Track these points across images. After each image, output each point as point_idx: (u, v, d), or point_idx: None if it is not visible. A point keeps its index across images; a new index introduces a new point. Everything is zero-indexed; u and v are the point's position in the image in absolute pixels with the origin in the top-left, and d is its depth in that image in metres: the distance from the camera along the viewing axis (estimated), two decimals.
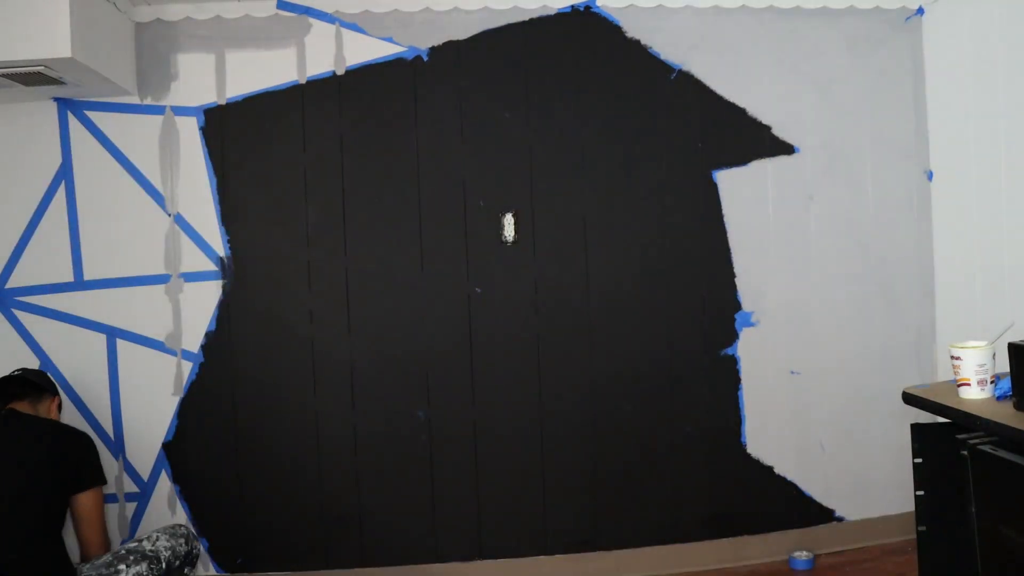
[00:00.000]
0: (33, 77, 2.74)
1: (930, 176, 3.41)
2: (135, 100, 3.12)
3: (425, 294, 3.18)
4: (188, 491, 3.17)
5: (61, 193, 3.12)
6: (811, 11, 3.36)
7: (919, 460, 2.35)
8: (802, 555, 3.23)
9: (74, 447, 2.62)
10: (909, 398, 2.31)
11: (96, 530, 2.61)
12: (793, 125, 3.33)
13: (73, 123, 3.12)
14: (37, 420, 2.66)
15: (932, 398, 2.22)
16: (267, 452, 3.16)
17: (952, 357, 2.16)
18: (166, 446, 3.16)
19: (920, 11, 3.39)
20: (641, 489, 3.26)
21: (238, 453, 3.15)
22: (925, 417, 2.31)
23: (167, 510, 3.16)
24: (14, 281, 3.11)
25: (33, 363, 3.12)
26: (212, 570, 3.18)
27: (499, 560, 3.21)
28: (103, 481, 2.67)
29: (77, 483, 2.57)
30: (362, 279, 3.16)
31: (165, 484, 3.16)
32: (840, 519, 3.36)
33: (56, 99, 3.09)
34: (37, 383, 2.75)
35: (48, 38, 2.59)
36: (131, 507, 3.17)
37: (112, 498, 3.16)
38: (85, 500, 2.59)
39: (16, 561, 2.34)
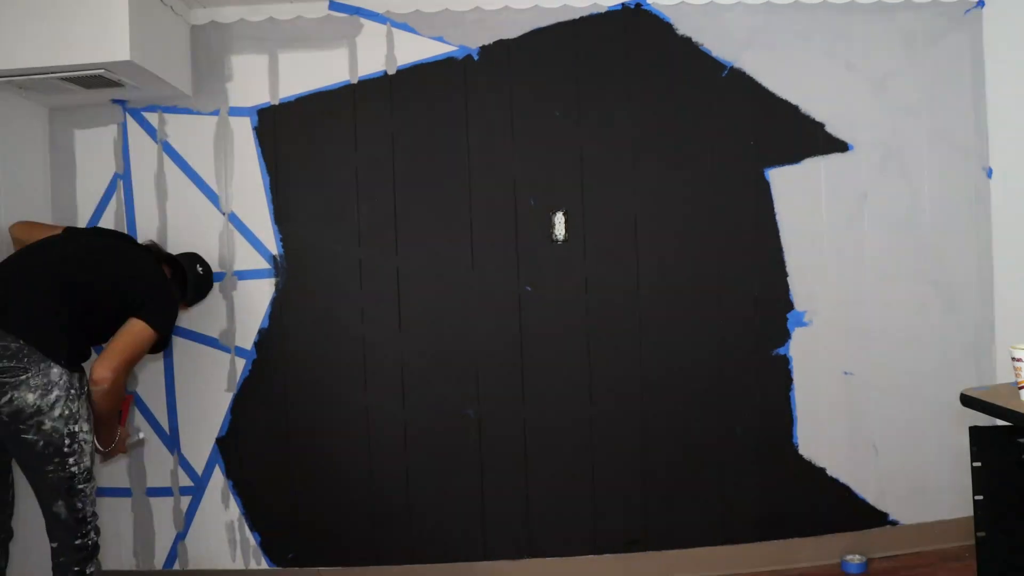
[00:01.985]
0: (94, 80, 2.80)
1: (989, 173, 3.34)
2: (191, 101, 3.18)
3: (475, 292, 3.19)
4: (241, 486, 3.22)
5: (120, 192, 3.18)
6: (866, 6, 3.30)
7: (978, 464, 2.31)
8: (854, 559, 3.18)
9: (160, 294, 2.61)
10: (968, 400, 2.25)
11: (110, 356, 2.38)
12: (847, 122, 3.28)
13: (131, 124, 3.19)
14: (150, 258, 2.71)
15: (992, 400, 2.17)
16: (318, 449, 3.20)
17: (1013, 359, 2.11)
18: (220, 441, 3.21)
19: (980, 3, 3.31)
20: (691, 489, 3.24)
21: (290, 449, 3.19)
22: (984, 420, 2.27)
23: (220, 504, 3.22)
24: None
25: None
26: (264, 564, 3.22)
27: (548, 559, 3.21)
28: (158, 328, 2.52)
29: (137, 308, 2.49)
30: (413, 277, 3.18)
31: (219, 479, 3.22)
32: (894, 523, 3.30)
33: (115, 101, 3.15)
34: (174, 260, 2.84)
35: (108, 42, 2.66)
36: (185, 501, 3.23)
37: (167, 492, 3.23)
38: (130, 324, 2.46)
39: (42, 334, 2.27)
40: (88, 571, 2.35)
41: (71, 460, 2.28)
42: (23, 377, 2.16)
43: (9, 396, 2.14)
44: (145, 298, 2.52)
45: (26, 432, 2.19)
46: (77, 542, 2.32)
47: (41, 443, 2.22)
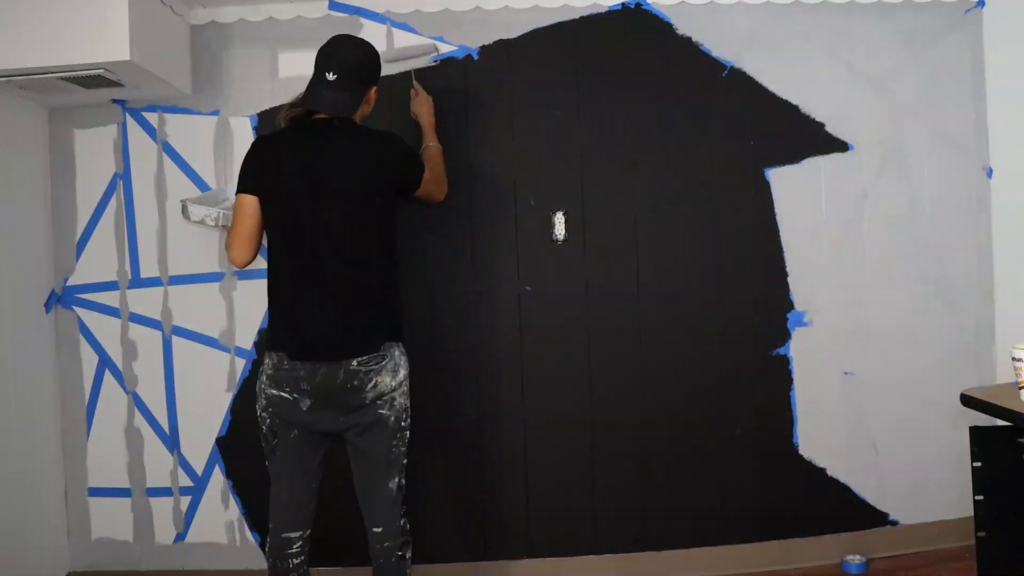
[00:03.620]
0: (93, 80, 2.80)
1: (989, 173, 3.34)
2: (191, 101, 3.17)
3: (475, 292, 3.19)
4: (241, 486, 3.21)
5: (119, 192, 3.18)
6: (866, 6, 3.30)
7: (978, 464, 2.32)
8: (855, 559, 3.18)
9: (399, 157, 2.48)
10: (968, 400, 2.26)
11: (440, 188, 2.78)
12: (847, 122, 3.28)
13: (131, 124, 3.19)
14: (350, 127, 2.42)
15: (992, 400, 2.17)
16: None
17: (1013, 359, 2.11)
18: (219, 441, 3.21)
19: (980, 3, 3.31)
20: (691, 489, 3.24)
21: None
22: (984, 420, 2.27)
23: (220, 504, 3.22)
24: (75, 279, 3.20)
25: (92, 359, 3.20)
26: (264, 565, 3.20)
27: (548, 559, 3.21)
28: (424, 167, 2.61)
29: (407, 189, 2.54)
30: (412, 277, 3.18)
31: (219, 479, 3.21)
32: (895, 523, 3.30)
33: (115, 101, 3.15)
34: (352, 96, 2.40)
35: (107, 42, 2.64)
36: (185, 501, 3.23)
37: (167, 492, 3.23)
38: (424, 184, 2.60)
39: (352, 305, 2.32)
40: (408, 556, 2.50)
41: (408, 433, 2.46)
42: (382, 363, 2.33)
43: (374, 382, 2.30)
44: (404, 174, 2.50)
45: (383, 408, 2.35)
46: (401, 522, 2.47)
47: (393, 418, 2.38)
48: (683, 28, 3.23)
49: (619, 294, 3.21)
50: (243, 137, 3.18)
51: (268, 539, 2.46)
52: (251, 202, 2.35)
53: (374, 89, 2.49)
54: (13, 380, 2.94)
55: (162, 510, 3.23)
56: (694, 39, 3.23)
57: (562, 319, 3.20)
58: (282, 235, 2.33)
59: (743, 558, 3.23)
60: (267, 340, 2.40)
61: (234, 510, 3.22)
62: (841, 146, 3.28)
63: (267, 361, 2.34)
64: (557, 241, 3.19)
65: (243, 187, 2.36)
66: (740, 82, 3.24)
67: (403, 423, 2.43)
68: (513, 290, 3.19)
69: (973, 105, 3.34)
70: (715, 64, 3.24)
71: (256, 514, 3.21)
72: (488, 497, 3.21)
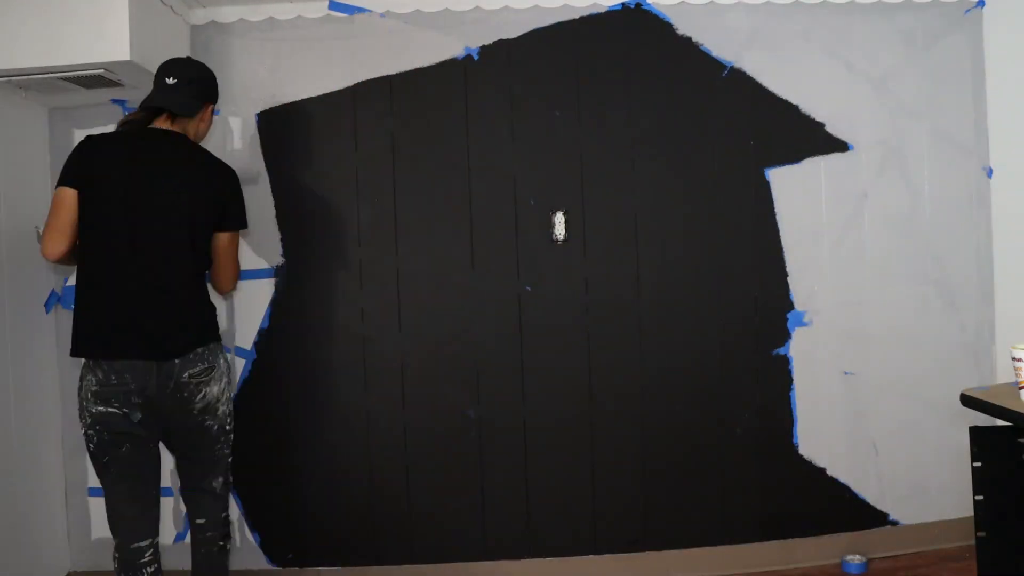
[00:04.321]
0: (93, 80, 2.80)
1: (989, 173, 3.34)
2: None
3: (475, 293, 3.19)
4: (241, 486, 3.21)
5: None
6: (866, 6, 3.30)
7: (978, 464, 2.31)
8: (855, 559, 3.18)
9: (226, 180, 2.45)
10: (968, 400, 2.25)
11: (229, 268, 2.54)
12: (847, 122, 3.28)
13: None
14: (186, 143, 2.41)
15: (992, 400, 2.16)
16: (318, 449, 3.20)
17: (1013, 359, 2.11)
18: None
19: (980, 3, 3.31)
20: (691, 489, 3.24)
21: (290, 449, 3.19)
22: (984, 420, 2.26)
23: None
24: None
25: None
26: (264, 564, 3.22)
27: (548, 559, 3.21)
28: (245, 225, 2.53)
29: (222, 221, 2.42)
30: (413, 278, 3.18)
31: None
32: (895, 523, 3.30)
33: (115, 101, 3.15)
34: (191, 103, 2.42)
35: (108, 42, 2.66)
36: None
37: (167, 492, 3.21)
38: (224, 237, 2.46)
39: (171, 302, 2.30)
40: (229, 547, 2.57)
41: (231, 436, 2.51)
42: (212, 374, 2.35)
43: (203, 393, 2.33)
44: (224, 208, 2.42)
45: (208, 419, 2.37)
46: (224, 515, 2.53)
47: (217, 426, 2.41)
48: (683, 28, 3.23)
49: (619, 294, 3.21)
50: (243, 137, 3.18)
51: (115, 554, 2.34)
52: (70, 195, 2.24)
53: (210, 107, 2.53)
54: (13, 380, 2.94)
55: (162, 510, 3.21)
56: (694, 39, 3.23)
57: (562, 319, 3.20)
58: (100, 236, 2.25)
59: (743, 558, 3.23)
60: (80, 351, 2.28)
61: (234, 510, 3.21)
62: (841, 146, 3.28)
63: (90, 377, 2.25)
64: (557, 241, 3.19)
65: (64, 180, 2.26)
66: (740, 82, 3.24)
67: (227, 427, 2.47)
68: (513, 290, 3.19)
69: (973, 105, 3.34)
70: (715, 64, 3.24)
71: (256, 514, 3.21)
72: (488, 497, 3.21)
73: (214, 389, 2.36)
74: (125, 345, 2.23)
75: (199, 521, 2.50)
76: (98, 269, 2.26)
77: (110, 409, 2.23)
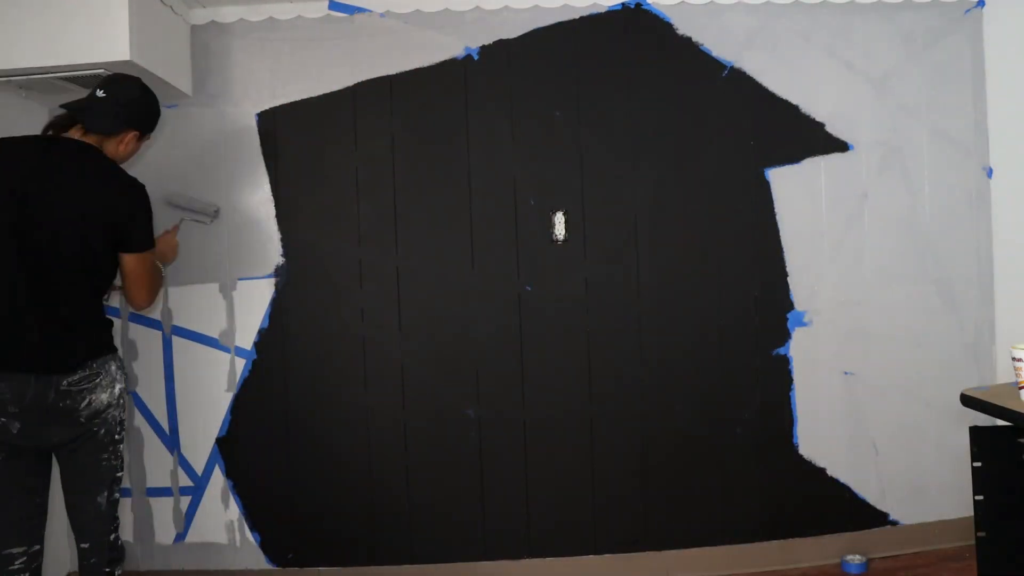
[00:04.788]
0: (93, 80, 2.79)
1: (989, 173, 3.34)
2: (191, 101, 3.18)
3: (475, 293, 3.19)
4: (241, 486, 3.22)
5: None
6: (865, 6, 3.30)
7: (978, 464, 2.31)
8: (855, 559, 3.18)
9: (130, 205, 2.27)
10: (968, 400, 2.25)
11: (139, 287, 2.34)
12: (847, 122, 3.28)
13: None
14: (96, 155, 2.26)
15: (992, 400, 2.17)
16: (319, 449, 3.20)
17: (1013, 359, 2.11)
18: (220, 441, 3.21)
19: (980, 3, 3.31)
20: (691, 489, 3.24)
21: (290, 449, 3.19)
22: (984, 420, 2.27)
23: (220, 504, 3.22)
24: None
25: None
26: (264, 564, 3.22)
27: (548, 559, 3.21)
28: (151, 246, 2.36)
29: (122, 242, 2.26)
30: (413, 277, 3.18)
31: (219, 479, 3.22)
32: (895, 523, 3.30)
33: None
34: (113, 121, 2.28)
35: (108, 42, 2.66)
36: (185, 501, 3.22)
37: (167, 492, 3.23)
38: (130, 260, 2.30)
39: (59, 319, 2.18)
40: (117, 573, 2.39)
41: (121, 447, 2.38)
42: (96, 380, 2.25)
43: (87, 400, 2.23)
44: (119, 224, 2.24)
45: (97, 426, 2.28)
46: (111, 537, 2.37)
47: (102, 432, 2.30)
48: (683, 28, 3.23)
49: (619, 294, 3.21)
50: (243, 137, 3.18)
51: None
52: None
53: (132, 134, 2.33)
54: None
55: (162, 510, 3.23)
56: (694, 39, 3.23)
57: (562, 319, 3.20)
58: None
59: (743, 558, 3.23)
60: None
61: (234, 510, 3.22)
62: (841, 146, 3.28)
63: None
64: (557, 241, 3.19)
65: None
66: (740, 82, 3.24)
67: (116, 436, 2.34)
68: (513, 290, 3.19)
69: (973, 105, 3.34)
70: (715, 64, 3.24)
71: (256, 514, 3.21)
72: (488, 497, 3.21)
73: (102, 396, 2.26)
74: (5, 358, 2.14)
75: (83, 545, 2.33)
76: None
77: None
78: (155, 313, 3.21)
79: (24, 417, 2.15)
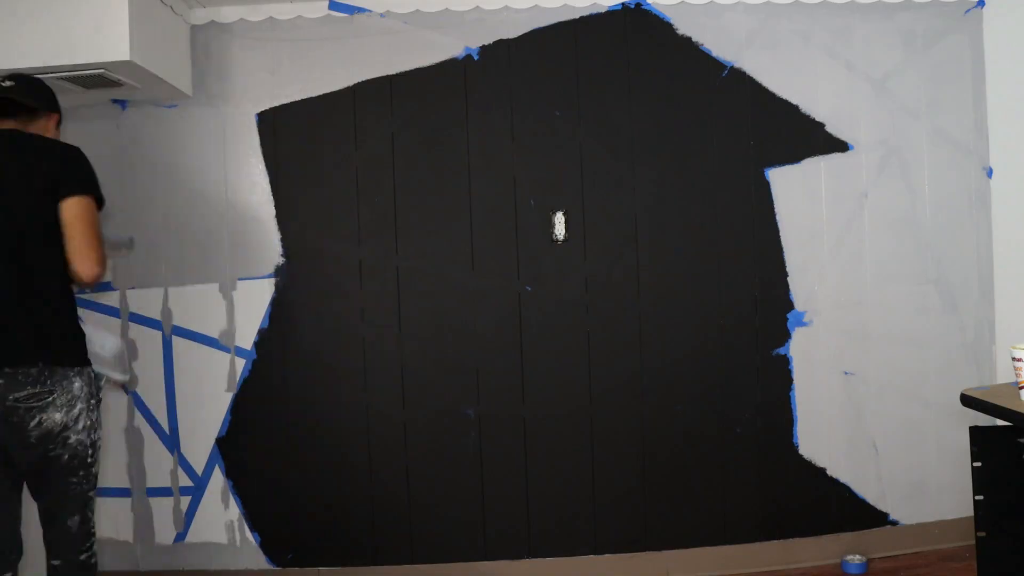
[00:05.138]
0: (93, 80, 2.81)
1: (989, 173, 3.34)
2: (191, 101, 3.18)
3: (475, 292, 3.19)
4: (241, 486, 3.22)
5: (119, 193, 3.17)
6: (866, 6, 3.30)
7: (978, 464, 2.31)
8: (855, 559, 3.18)
9: (60, 157, 2.17)
10: (968, 400, 2.25)
11: (83, 249, 2.12)
12: (847, 122, 3.28)
13: (131, 125, 3.19)
14: (19, 136, 2.18)
15: (992, 400, 2.16)
16: (318, 449, 3.20)
17: (1013, 359, 2.11)
18: (219, 441, 3.21)
19: (980, 3, 3.31)
20: (691, 489, 3.24)
21: (290, 449, 3.19)
22: (984, 420, 2.26)
23: (220, 504, 3.22)
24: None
25: None
26: (264, 564, 3.22)
27: (548, 559, 3.21)
28: (92, 192, 2.17)
29: (58, 191, 2.11)
30: (413, 277, 3.18)
31: (219, 479, 3.22)
32: (895, 523, 3.30)
33: (115, 101, 3.15)
34: (25, 103, 2.22)
35: (108, 42, 2.66)
36: (185, 501, 3.23)
37: (167, 492, 3.23)
38: (68, 207, 2.12)
39: (19, 304, 2.07)
40: None
41: (93, 470, 2.22)
42: (49, 399, 2.08)
43: (38, 419, 2.07)
44: (57, 178, 2.12)
45: (54, 449, 2.12)
46: (83, 556, 2.22)
47: (66, 456, 2.15)
48: (683, 28, 3.23)
49: (619, 294, 3.21)
50: (243, 137, 3.18)
51: None
52: None
53: (55, 118, 2.31)
54: None
55: (162, 510, 3.23)
56: (694, 39, 3.23)
57: (562, 319, 3.20)
58: None
59: (743, 558, 3.23)
60: None
61: (234, 510, 3.22)
62: (841, 146, 3.28)
63: None
64: (557, 241, 3.19)
65: None
66: (740, 82, 3.24)
67: (88, 459, 2.18)
68: (513, 290, 3.19)
69: (973, 105, 3.34)
70: (715, 64, 3.24)
71: (256, 514, 3.21)
72: (488, 497, 3.21)
73: (55, 416, 2.08)
74: None
75: (54, 563, 2.20)
76: None
77: None
78: (155, 313, 3.20)
79: None
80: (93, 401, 2.19)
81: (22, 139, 2.18)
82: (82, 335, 2.20)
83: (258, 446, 3.20)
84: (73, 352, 2.15)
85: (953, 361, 3.32)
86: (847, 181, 3.28)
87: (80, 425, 2.14)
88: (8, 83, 2.21)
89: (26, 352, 2.05)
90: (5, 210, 2.07)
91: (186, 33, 3.13)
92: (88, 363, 2.18)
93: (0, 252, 2.06)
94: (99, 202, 2.21)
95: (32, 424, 2.06)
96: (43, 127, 2.28)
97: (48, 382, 2.07)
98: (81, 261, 2.11)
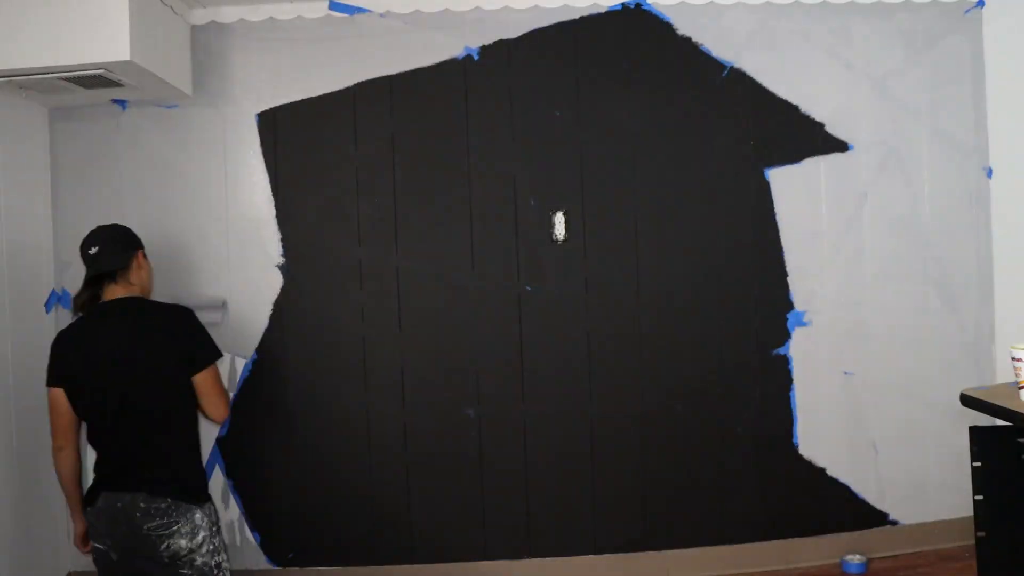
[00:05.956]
0: (94, 80, 2.80)
1: (989, 173, 3.34)
2: (191, 101, 3.17)
3: (475, 292, 3.19)
4: (241, 486, 3.22)
5: (120, 193, 3.18)
6: (865, 6, 3.30)
7: (978, 464, 2.31)
8: (855, 559, 3.19)
9: (182, 326, 2.45)
10: (967, 400, 2.25)
11: (216, 402, 2.48)
12: (847, 122, 3.28)
13: (131, 124, 3.19)
14: (137, 307, 2.43)
15: (992, 400, 2.16)
16: (318, 449, 3.20)
17: (1013, 359, 2.11)
18: (220, 441, 3.21)
19: (980, 3, 3.31)
20: (691, 489, 3.24)
21: (290, 449, 3.19)
22: (984, 420, 2.26)
23: (220, 504, 3.21)
24: (76, 279, 3.17)
25: None
26: (264, 564, 3.22)
27: (548, 559, 3.21)
28: (218, 355, 2.51)
29: (194, 363, 2.42)
30: (413, 278, 3.18)
31: (219, 479, 3.22)
32: (894, 523, 3.31)
33: (115, 101, 3.15)
34: (119, 256, 2.45)
35: (108, 42, 2.66)
36: None
37: None
38: (204, 377, 2.44)
39: (156, 479, 2.33)
40: None
41: None
42: (175, 528, 2.34)
43: (167, 544, 2.33)
44: (189, 350, 2.43)
45: (183, 568, 2.37)
46: None
47: (191, 575, 2.40)
48: (683, 28, 3.23)
49: (619, 293, 3.21)
50: (243, 137, 3.18)
51: None
52: (59, 395, 2.38)
53: (141, 252, 2.53)
54: (13, 380, 2.94)
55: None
56: (694, 39, 3.23)
57: (562, 319, 3.20)
58: (89, 416, 2.39)
59: (743, 558, 3.23)
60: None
61: (234, 510, 3.22)
62: (841, 146, 3.28)
63: (88, 518, 2.42)
64: (557, 241, 3.19)
65: (50, 381, 2.41)
66: (740, 82, 3.24)
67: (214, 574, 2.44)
68: (513, 290, 3.19)
69: (973, 105, 3.34)
70: (715, 64, 3.24)
71: (256, 514, 3.21)
72: (488, 497, 3.21)
73: (181, 543, 2.35)
74: (101, 483, 2.37)
75: None
76: (96, 443, 2.41)
77: (98, 545, 2.39)
78: None
79: (118, 549, 2.35)
80: (214, 528, 2.45)
81: (147, 311, 2.45)
82: (204, 477, 2.53)
83: (258, 446, 3.20)
84: (195, 491, 2.42)
85: (953, 361, 3.33)
86: (847, 181, 3.28)
87: (204, 549, 2.40)
88: (94, 250, 2.43)
89: (158, 490, 2.33)
90: (146, 380, 2.35)
91: (186, 33, 3.13)
92: (208, 499, 2.47)
93: (142, 413, 2.34)
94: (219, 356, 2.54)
95: (162, 547, 2.33)
96: (137, 270, 2.49)
97: (174, 514, 2.34)
98: (215, 410, 2.50)
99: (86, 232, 3.13)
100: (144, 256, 2.54)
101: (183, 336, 2.43)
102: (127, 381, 2.33)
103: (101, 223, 3.07)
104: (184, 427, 2.46)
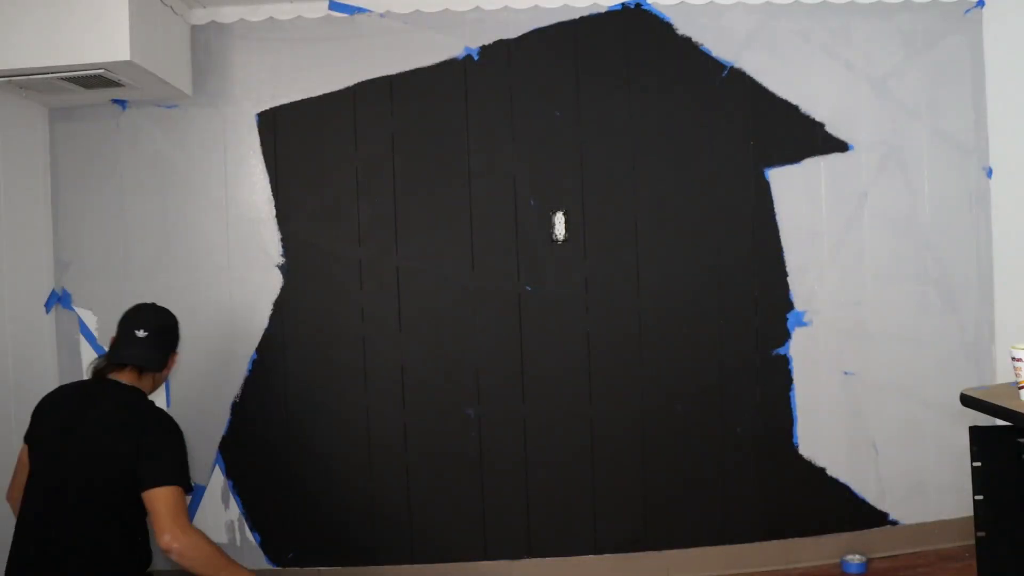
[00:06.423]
0: (93, 80, 2.81)
1: (989, 173, 3.34)
2: (191, 101, 3.18)
3: (475, 292, 3.19)
4: (241, 486, 3.22)
5: (120, 193, 3.18)
6: (865, 6, 3.30)
7: (978, 464, 2.31)
8: (855, 559, 3.18)
9: (157, 437, 2.19)
10: (967, 400, 2.25)
11: (160, 528, 2.07)
12: (847, 122, 3.28)
13: (131, 124, 3.19)
14: (133, 403, 2.24)
15: (992, 400, 2.16)
16: (319, 449, 3.20)
17: (1013, 359, 2.11)
18: (220, 442, 3.21)
19: (980, 3, 3.31)
20: (691, 489, 3.24)
21: (290, 449, 3.19)
22: (984, 420, 2.26)
23: (220, 504, 3.22)
24: (76, 279, 3.19)
25: (92, 359, 3.17)
26: (264, 564, 3.22)
27: (548, 559, 3.21)
28: (179, 483, 2.14)
29: (143, 481, 2.12)
30: (413, 277, 3.18)
31: (219, 479, 3.22)
32: (894, 522, 3.30)
33: (115, 101, 3.15)
34: (158, 357, 2.33)
35: (108, 42, 2.66)
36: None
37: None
38: (152, 497, 2.11)
39: (78, 562, 2.09)
40: None
41: None
42: None
43: None
44: (145, 456, 2.13)
45: None
46: None
47: None
48: (683, 28, 3.23)
49: (619, 294, 3.21)
50: (243, 137, 3.18)
51: None
52: (24, 451, 2.27)
53: (175, 355, 2.42)
54: (13, 380, 2.94)
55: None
56: (694, 39, 3.23)
57: (562, 319, 3.20)
58: (31, 482, 2.19)
59: (743, 558, 3.23)
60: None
61: (234, 510, 3.22)
62: (841, 146, 3.28)
63: None
64: (557, 241, 3.19)
65: (25, 435, 2.29)
66: (740, 82, 3.24)
67: None
68: (513, 290, 3.19)
69: (973, 105, 3.34)
70: (715, 64, 3.24)
71: (256, 514, 3.21)
72: (488, 497, 3.21)
73: None
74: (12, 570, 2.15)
75: None
76: (23, 518, 2.19)
77: None
78: None
79: None
80: None
81: (137, 410, 2.21)
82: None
83: (258, 446, 3.20)
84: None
85: (953, 361, 3.33)
86: (847, 181, 3.28)
87: None
88: (141, 333, 2.28)
89: None
90: (93, 471, 2.11)
91: (186, 33, 3.13)
92: None
93: (76, 505, 2.10)
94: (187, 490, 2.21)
95: None
96: (163, 370, 2.37)
97: None
98: (158, 537, 2.09)
99: (86, 232, 3.19)
100: (175, 355, 2.41)
101: (149, 444, 2.14)
102: (76, 465, 2.12)
103: (101, 223, 3.06)
104: (118, 534, 2.15)
